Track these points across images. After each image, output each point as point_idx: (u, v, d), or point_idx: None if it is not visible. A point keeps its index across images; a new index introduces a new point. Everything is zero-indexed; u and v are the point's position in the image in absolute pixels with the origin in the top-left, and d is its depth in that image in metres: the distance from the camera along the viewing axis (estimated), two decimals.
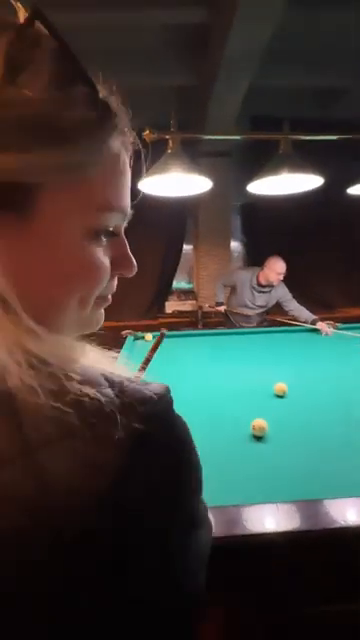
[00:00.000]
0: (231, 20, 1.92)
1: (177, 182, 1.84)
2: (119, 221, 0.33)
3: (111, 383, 0.28)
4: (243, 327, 3.03)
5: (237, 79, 2.55)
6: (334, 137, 1.79)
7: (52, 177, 0.27)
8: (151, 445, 0.27)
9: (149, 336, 2.52)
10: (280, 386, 1.52)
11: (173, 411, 0.30)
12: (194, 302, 4.35)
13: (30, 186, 0.26)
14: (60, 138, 0.26)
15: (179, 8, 2.20)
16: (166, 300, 4.48)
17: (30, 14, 0.26)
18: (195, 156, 3.03)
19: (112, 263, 0.33)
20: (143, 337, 2.56)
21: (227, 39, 2.12)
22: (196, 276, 4.45)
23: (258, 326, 3.08)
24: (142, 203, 0.39)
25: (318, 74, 2.72)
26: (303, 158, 1.72)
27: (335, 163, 2.59)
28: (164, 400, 0.29)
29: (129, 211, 0.33)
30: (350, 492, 0.76)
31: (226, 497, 0.72)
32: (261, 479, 0.98)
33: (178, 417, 0.30)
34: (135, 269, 0.35)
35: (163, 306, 4.42)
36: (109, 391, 0.27)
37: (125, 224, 0.34)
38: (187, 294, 4.60)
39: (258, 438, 1.20)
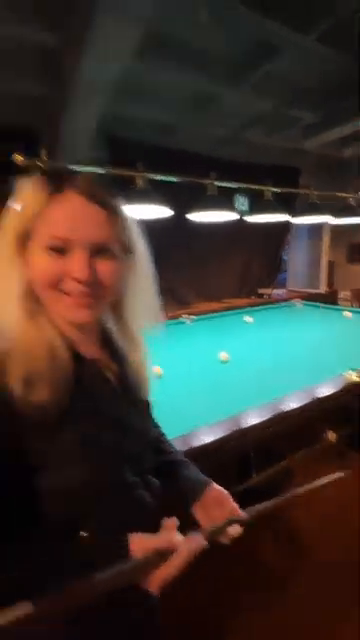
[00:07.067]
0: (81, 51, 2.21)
1: None
2: (60, 244, 0.53)
3: None
4: None
5: (90, 102, 2.82)
6: (174, 179, 2.24)
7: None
8: None
9: None
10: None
11: None
12: None
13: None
14: None
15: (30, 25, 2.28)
16: None
17: None
18: None
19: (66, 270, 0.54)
20: None
21: (79, 69, 2.38)
22: None
23: None
24: None
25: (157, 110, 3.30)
26: (155, 191, 2.06)
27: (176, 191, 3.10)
28: None
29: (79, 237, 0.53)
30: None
31: None
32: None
33: None
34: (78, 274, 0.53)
35: None
36: None
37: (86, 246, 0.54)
38: None
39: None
